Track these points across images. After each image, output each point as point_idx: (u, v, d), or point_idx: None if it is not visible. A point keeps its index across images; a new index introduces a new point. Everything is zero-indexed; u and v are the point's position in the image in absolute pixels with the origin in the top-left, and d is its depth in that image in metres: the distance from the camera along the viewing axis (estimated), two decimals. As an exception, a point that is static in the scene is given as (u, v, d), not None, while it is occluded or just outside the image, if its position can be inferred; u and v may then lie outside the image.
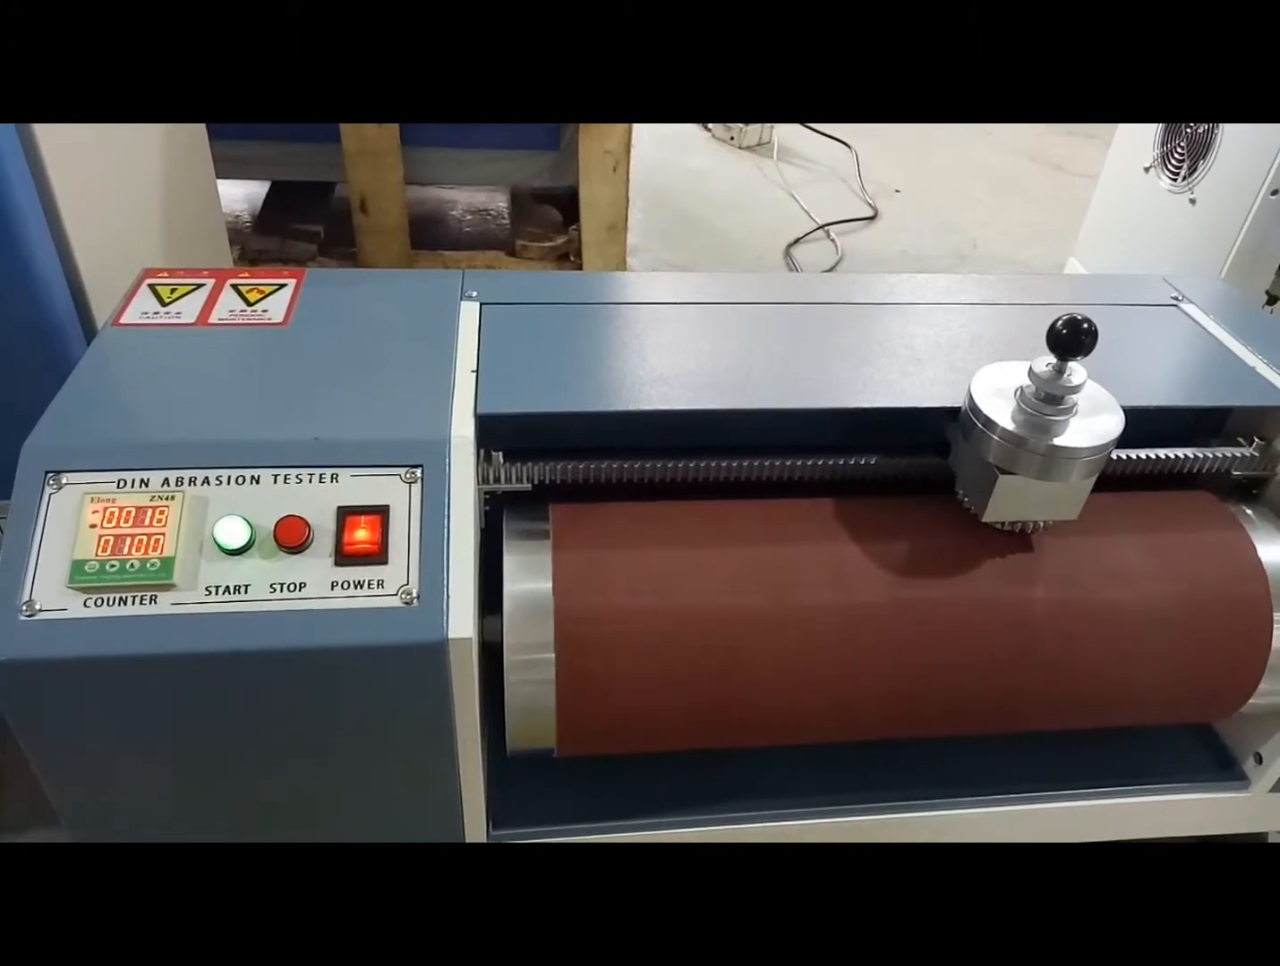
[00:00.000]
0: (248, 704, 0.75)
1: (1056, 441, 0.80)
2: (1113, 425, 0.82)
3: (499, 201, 2.45)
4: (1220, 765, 1.05)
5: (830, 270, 2.50)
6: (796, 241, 2.60)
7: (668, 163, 2.96)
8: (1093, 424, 0.82)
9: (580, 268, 2.08)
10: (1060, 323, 0.78)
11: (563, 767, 0.93)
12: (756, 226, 2.67)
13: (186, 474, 0.77)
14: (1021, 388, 0.83)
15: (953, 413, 0.89)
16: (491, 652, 0.82)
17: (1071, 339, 0.78)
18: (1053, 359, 0.80)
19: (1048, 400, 0.81)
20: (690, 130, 3.21)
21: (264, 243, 2.03)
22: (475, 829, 0.87)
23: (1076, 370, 0.80)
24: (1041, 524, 0.88)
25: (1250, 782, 1.03)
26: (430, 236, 2.22)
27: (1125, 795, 1.00)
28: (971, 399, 0.84)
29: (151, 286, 0.98)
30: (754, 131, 3.08)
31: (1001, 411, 0.82)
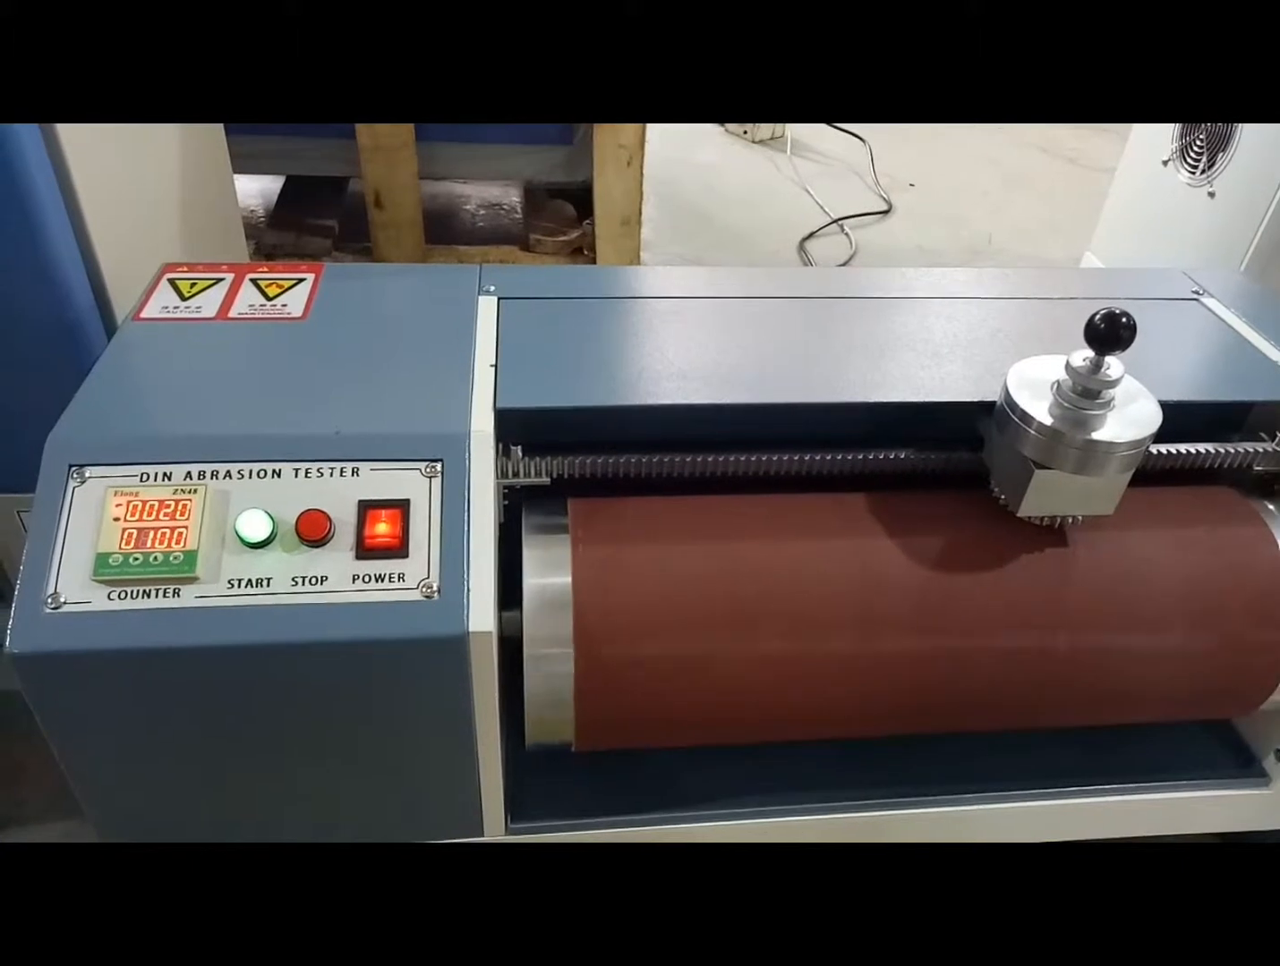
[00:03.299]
0: (269, 697, 0.76)
1: (1094, 436, 0.79)
2: (1150, 419, 0.81)
3: (512, 196, 2.45)
4: (1240, 762, 1.04)
5: (844, 265, 2.49)
6: (810, 236, 2.59)
7: (681, 157, 2.95)
8: (1130, 418, 0.81)
9: (594, 262, 2.08)
10: (1099, 317, 0.78)
11: (580, 761, 0.93)
12: (770, 221, 2.66)
13: (209, 467, 0.78)
14: (1058, 382, 0.82)
15: (987, 407, 0.88)
16: (510, 646, 0.83)
17: (1110, 333, 0.77)
18: (1089, 353, 0.80)
19: (1085, 394, 0.81)
20: (702, 125, 3.19)
21: (279, 237, 2.03)
22: (494, 822, 0.88)
23: (1114, 364, 0.80)
24: (1075, 519, 0.87)
25: (1271, 779, 1.02)
26: (444, 231, 2.22)
27: (1145, 792, 1.00)
28: (1008, 393, 0.84)
29: (171, 281, 0.99)
30: (767, 126, 3.07)
31: (1038, 406, 0.82)
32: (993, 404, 0.87)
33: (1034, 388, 0.83)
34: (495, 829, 0.89)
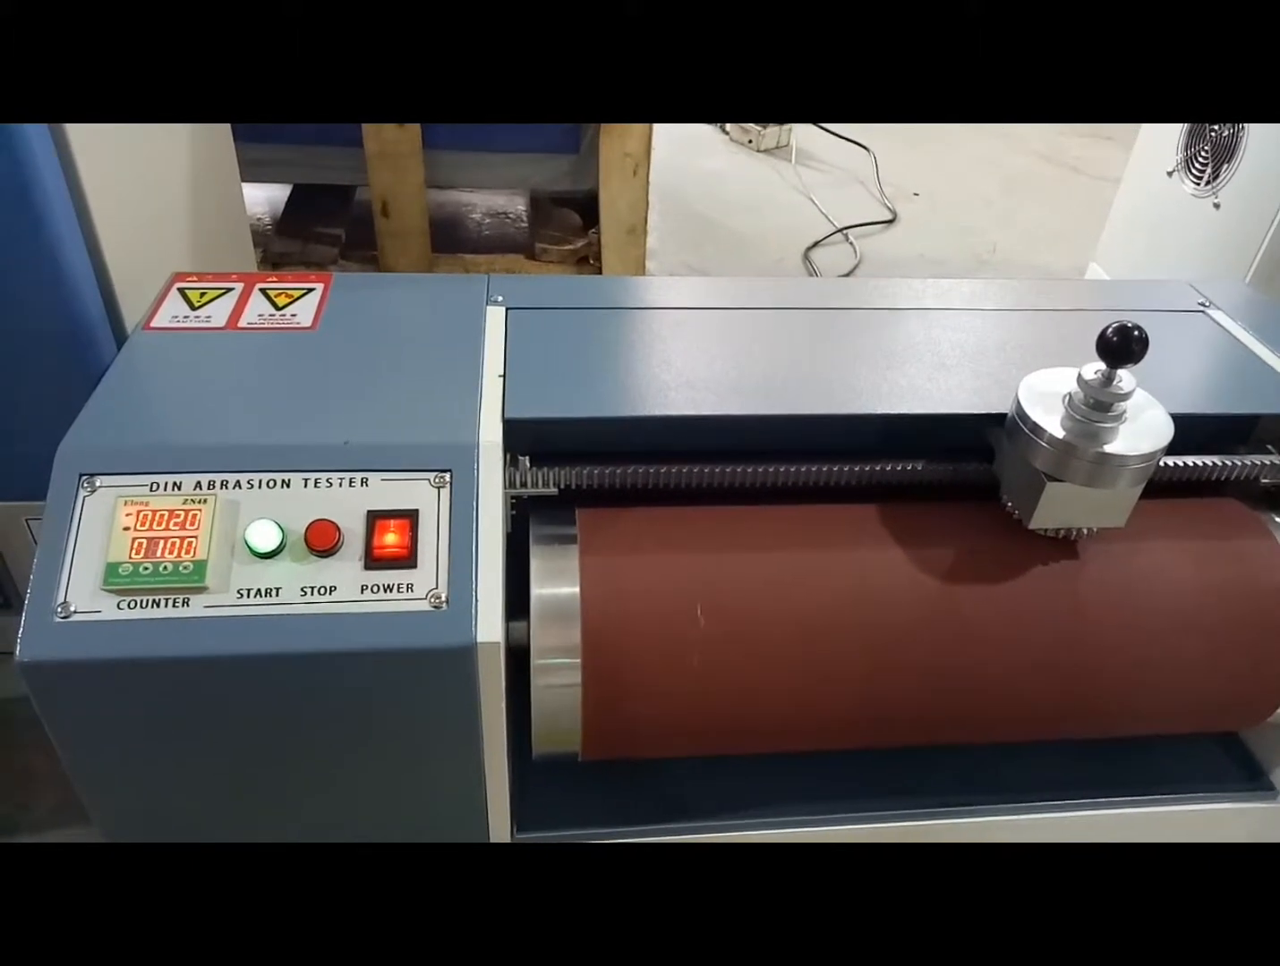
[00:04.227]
0: (277, 706, 0.76)
1: (1106, 448, 0.79)
2: (1162, 432, 0.81)
3: (518, 205, 2.46)
4: (1248, 775, 1.04)
5: (849, 274, 2.50)
6: (815, 245, 2.59)
7: (686, 166, 2.96)
8: (1141, 431, 0.81)
9: (599, 271, 2.08)
10: (1111, 330, 0.78)
11: (587, 771, 0.93)
12: (775, 229, 2.67)
13: (218, 477, 0.78)
14: (1070, 394, 0.82)
15: (997, 419, 0.88)
16: (517, 656, 0.83)
17: (1122, 346, 0.78)
18: (1101, 366, 0.80)
19: (1097, 407, 0.81)
20: (707, 133, 3.21)
21: (286, 245, 2.04)
22: (500, 831, 0.88)
23: (1126, 377, 0.80)
24: (1087, 531, 0.87)
25: (1279, 793, 1.02)
26: (450, 239, 2.23)
27: (1151, 804, 1.00)
28: (1019, 405, 0.84)
29: (181, 290, 0.99)
30: (772, 134, 3.08)
31: (1050, 418, 0.82)
32: (1003, 416, 0.87)
33: (1045, 400, 0.83)
34: (501, 838, 0.88)
